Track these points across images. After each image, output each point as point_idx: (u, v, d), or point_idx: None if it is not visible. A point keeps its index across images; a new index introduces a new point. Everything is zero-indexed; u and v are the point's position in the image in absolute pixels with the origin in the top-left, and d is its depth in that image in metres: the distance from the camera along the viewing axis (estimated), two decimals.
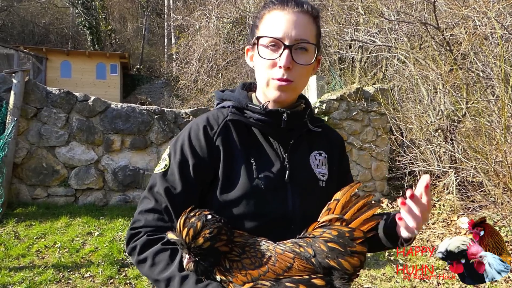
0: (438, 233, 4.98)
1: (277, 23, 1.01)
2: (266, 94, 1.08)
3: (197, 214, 0.87)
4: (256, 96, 1.15)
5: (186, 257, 0.89)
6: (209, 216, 0.87)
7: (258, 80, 1.09)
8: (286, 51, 0.99)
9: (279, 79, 1.02)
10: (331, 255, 0.85)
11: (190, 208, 0.90)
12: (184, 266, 0.90)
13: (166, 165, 1.04)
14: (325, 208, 0.93)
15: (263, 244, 0.90)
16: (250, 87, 1.20)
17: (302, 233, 0.94)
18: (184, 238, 0.85)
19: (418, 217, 0.89)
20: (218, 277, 0.87)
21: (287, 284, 0.82)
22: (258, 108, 1.06)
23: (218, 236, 0.85)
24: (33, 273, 3.53)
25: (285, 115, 1.05)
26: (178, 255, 0.94)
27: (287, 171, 1.05)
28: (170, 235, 0.89)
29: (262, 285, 0.83)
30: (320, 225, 0.91)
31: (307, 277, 0.84)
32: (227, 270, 0.86)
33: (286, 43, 0.99)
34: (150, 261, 0.95)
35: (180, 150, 1.04)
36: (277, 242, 0.92)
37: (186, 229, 0.85)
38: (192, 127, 1.07)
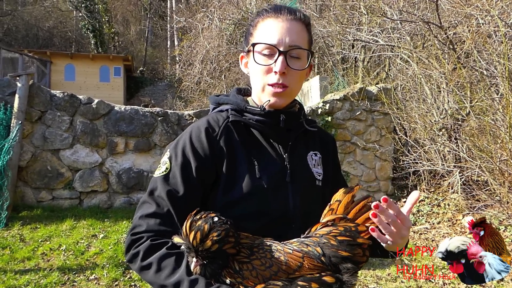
0: (443, 233, 4.96)
1: (272, 30, 1.04)
2: (262, 99, 1.09)
3: (203, 216, 0.85)
4: (252, 100, 1.16)
5: (194, 260, 0.86)
6: (216, 218, 0.85)
7: (253, 85, 1.11)
8: (281, 57, 1.02)
9: (274, 85, 1.04)
10: (342, 247, 0.86)
11: (195, 211, 0.88)
12: (192, 270, 0.88)
13: (167, 168, 1.02)
14: (327, 208, 0.94)
15: (271, 244, 0.90)
16: (245, 92, 1.21)
17: (306, 233, 0.94)
18: (191, 241, 0.83)
19: (389, 227, 0.86)
20: (228, 280, 0.85)
21: (299, 283, 0.82)
22: (257, 109, 1.08)
23: (226, 238, 0.83)
24: (38, 275, 3.55)
25: (283, 115, 1.08)
26: (185, 259, 0.91)
27: (288, 171, 1.06)
28: (177, 239, 0.87)
29: (274, 285, 0.82)
30: (324, 224, 0.92)
31: (317, 275, 0.84)
32: (237, 272, 0.84)
33: (281, 49, 1.02)
34: (156, 267, 0.91)
35: (182, 152, 1.03)
36: (284, 242, 0.92)
37: (193, 232, 0.83)
38: (192, 129, 1.07)
